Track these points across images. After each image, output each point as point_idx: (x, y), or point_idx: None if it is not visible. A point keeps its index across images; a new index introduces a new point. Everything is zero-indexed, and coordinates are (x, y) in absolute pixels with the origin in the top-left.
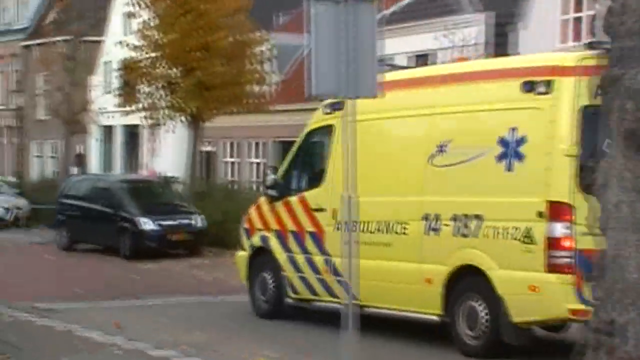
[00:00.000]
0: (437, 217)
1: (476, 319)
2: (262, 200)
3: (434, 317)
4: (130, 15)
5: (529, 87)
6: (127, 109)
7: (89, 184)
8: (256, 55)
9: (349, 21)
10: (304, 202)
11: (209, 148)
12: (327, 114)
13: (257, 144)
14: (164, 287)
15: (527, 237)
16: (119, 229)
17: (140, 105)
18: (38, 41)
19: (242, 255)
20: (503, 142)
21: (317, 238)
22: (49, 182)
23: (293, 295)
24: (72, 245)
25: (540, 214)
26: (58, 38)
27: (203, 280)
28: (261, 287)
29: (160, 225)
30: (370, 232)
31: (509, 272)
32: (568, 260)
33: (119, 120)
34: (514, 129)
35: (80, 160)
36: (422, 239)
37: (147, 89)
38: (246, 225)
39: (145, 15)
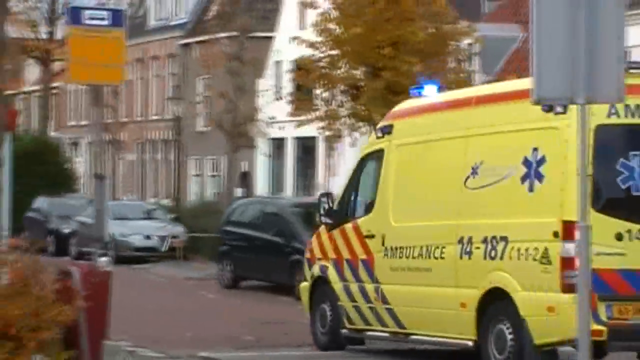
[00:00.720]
0: (470, 240)
1: (504, 342)
2: (322, 229)
3: (469, 343)
4: (305, 6)
5: (548, 107)
6: (302, 118)
7: (256, 208)
8: (460, 51)
9: (582, 5)
10: (357, 229)
11: None
12: (378, 137)
13: None
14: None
15: (545, 258)
16: (292, 262)
17: (317, 114)
18: (198, 39)
19: (305, 286)
20: (527, 162)
21: (368, 265)
22: (209, 206)
23: (348, 326)
24: (237, 282)
25: (555, 234)
26: (221, 35)
27: None
28: (320, 318)
29: None
30: (410, 258)
31: (530, 293)
32: None
33: (291, 132)
34: (535, 149)
35: (246, 180)
36: (457, 263)
37: (325, 94)
38: (307, 255)
39: (324, 5)
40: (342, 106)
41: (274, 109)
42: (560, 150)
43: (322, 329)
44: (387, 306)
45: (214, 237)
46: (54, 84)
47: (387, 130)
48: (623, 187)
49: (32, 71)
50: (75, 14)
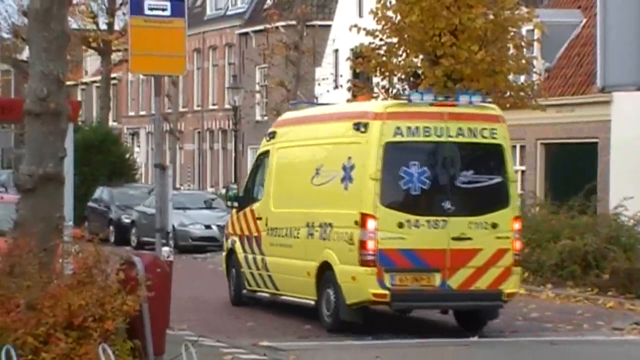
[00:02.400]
0: (313, 225)
1: (330, 302)
2: (234, 211)
3: (312, 302)
4: None
5: (357, 127)
6: None
7: None
8: (520, 38)
9: None
10: (252, 213)
11: None
12: (267, 141)
13: (517, 147)
14: (403, 325)
15: (351, 240)
16: None
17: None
18: (256, 28)
19: (223, 255)
20: (344, 168)
21: (258, 241)
22: None
23: (247, 287)
24: None
25: (356, 223)
26: (279, 23)
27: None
28: (231, 280)
29: None
30: (282, 237)
31: (344, 266)
32: (372, 257)
33: None
34: (350, 158)
35: None
36: (305, 242)
37: (384, 82)
38: (225, 231)
39: None
40: (401, 94)
41: (332, 98)
42: (362, 160)
43: (232, 289)
44: (268, 273)
45: None
46: (114, 75)
47: (272, 136)
48: (404, 188)
49: (92, 62)
50: (135, 5)
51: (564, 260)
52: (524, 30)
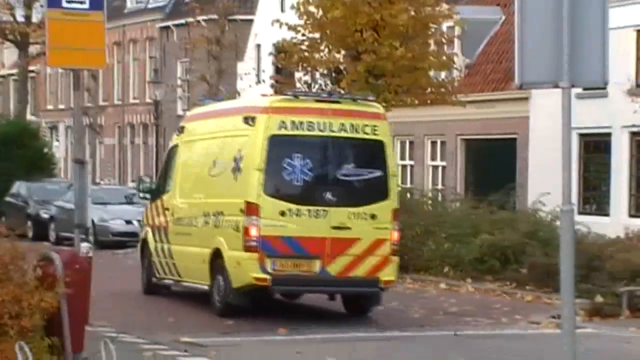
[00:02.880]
0: (208, 214)
1: (220, 287)
2: (149, 202)
3: (206, 287)
4: None
5: (246, 120)
6: None
7: None
8: (442, 34)
9: None
10: (162, 204)
11: None
12: (177, 136)
13: (438, 143)
14: (328, 319)
15: (237, 227)
16: None
17: None
18: (178, 22)
19: (138, 245)
20: (235, 159)
21: (165, 231)
22: None
23: (157, 275)
24: None
25: (242, 211)
26: (201, 17)
27: (375, 310)
28: (143, 269)
29: None
30: (184, 226)
31: (232, 252)
32: (255, 243)
33: None
34: (240, 150)
35: None
36: (201, 230)
37: (306, 77)
38: (142, 221)
39: None
40: (323, 89)
41: (255, 93)
42: (249, 152)
43: (144, 278)
44: (173, 261)
45: None
46: (32, 68)
47: (181, 130)
48: (287, 179)
49: (9, 55)
50: None
51: (484, 254)
52: (444, 27)
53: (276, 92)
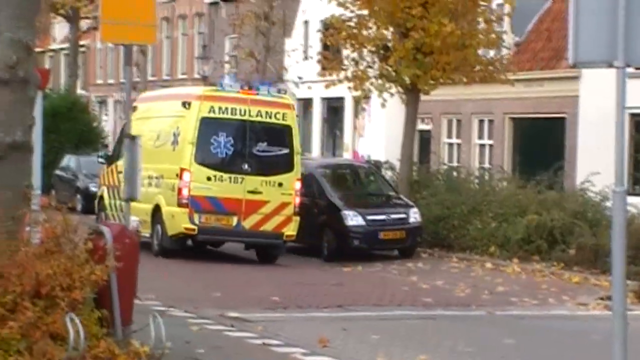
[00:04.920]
0: (152, 177)
1: (159, 234)
2: (105, 166)
3: (148, 236)
4: None
5: (184, 104)
6: (329, 78)
7: None
8: (490, 11)
9: None
10: (116, 168)
11: (426, 127)
12: (133, 110)
13: (485, 121)
14: (373, 296)
15: (173, 188)
16: (320, 224)
17: (345, 74)
18: None
19: (95, 201)
20: (174, 134)
21: (118, 189)
22: None
23: None
24: None
25: (177, 175)
26: None
27: (419, 288)
28: (99, 222)
29: (368, 220)
30: None
31: (168, 208)
32: (186, 201)
33: (319, 92)
34: (178, 127)
35: None
36: (148, 190)
37: (353, 55)
38: (98, 182)
39: None
40: (370, 67)
41: (301, 69)
42: (185, 129)
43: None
44: (123, 214)
45: None
46: (82, 42)
47: (134, 110)
48: (213, 152)
49: (60, 29)
50: None
51: (531, 235)
52: (494, 4)
53: (324, 69)
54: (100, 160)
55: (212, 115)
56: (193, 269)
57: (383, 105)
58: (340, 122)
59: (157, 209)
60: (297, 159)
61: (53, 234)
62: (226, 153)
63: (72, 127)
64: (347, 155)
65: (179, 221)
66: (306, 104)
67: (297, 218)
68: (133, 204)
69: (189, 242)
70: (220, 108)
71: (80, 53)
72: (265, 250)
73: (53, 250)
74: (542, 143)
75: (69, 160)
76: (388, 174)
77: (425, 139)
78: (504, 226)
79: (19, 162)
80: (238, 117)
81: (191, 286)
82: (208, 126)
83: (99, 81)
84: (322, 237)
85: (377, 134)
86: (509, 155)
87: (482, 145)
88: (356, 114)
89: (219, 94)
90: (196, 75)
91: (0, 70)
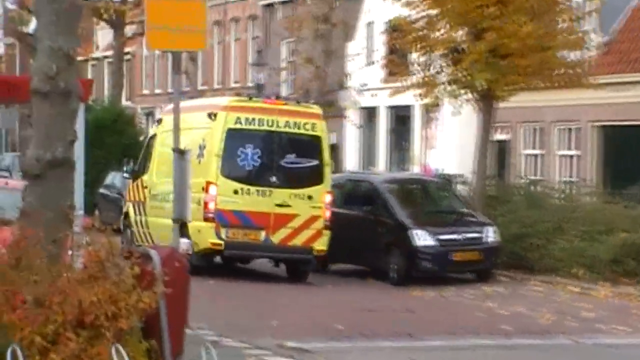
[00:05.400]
0: None
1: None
2: (130, 181)
3: None
4: None
5: (209, 116)
6: (396, 85)
7: (345, 184)
8: (572, 10)
9: None
10: (142, 182)
11: (503, 136)
12: (156, 127)
13: (569, 130)
14: (445, 324)
15: (200, 202)
16: (385, 244)
17: (414, 80)
18: None
19: (121, 218)
20: (200, 147)
21: (144, 205)
22: None
23: (136, 243)
24: (325, 265)
25: (203, 188)
26: None
27: (497, 315)
28: (126, 239)
29: (439, 240)
30: (158, 201)
31: (195, 222)
32: (212, 215)
33: (384, 101)
34: (203, 139)
35: (335, 154)
36: (172, 204)
37: (422, 58)
38: (125, 197)
39: None
40: (441, 72)
41: (365, 75)
42: (211, 141)
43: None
44: (148, 230)
45: None
46: (127, 50)
47: (160, 122)
48: (240, 164)
49: (104, 35)
50: None
51: (620, 254)
52: (577, 1)
53: (390, 74)
54: (126, 175)
55: (238, 126)
56: (240, 291)
57: (455, 114)
58: (408, 133)
59: (182, 224)
60: (327, 170)
61: (97, 258)
62: (253, 165)
63: (117, 141)
64: (415, 169)
65: (205, 236)
66: (370, 113)
67: (328, 232)
68: (158, 219)
69: (217, 258)
70: (247, 119)
71: (125, 61)
72: (296, 266)
73: (97, 276)
74: (633, 153)
75: (113, 178)
76: (461, 188)
77: (502, 150)
78: (594, 245)
79: (59, 180)
80: (265, 127)
81: (241, 311)
82: (234, 138)
83: (146, 91)
84: (387, 258)
85: (449, 145)
86: (595, 167)
87: (564, 156)
88: (425, 124)
89: (246, 104)
90: (250, 84)
91: (40, 81)
